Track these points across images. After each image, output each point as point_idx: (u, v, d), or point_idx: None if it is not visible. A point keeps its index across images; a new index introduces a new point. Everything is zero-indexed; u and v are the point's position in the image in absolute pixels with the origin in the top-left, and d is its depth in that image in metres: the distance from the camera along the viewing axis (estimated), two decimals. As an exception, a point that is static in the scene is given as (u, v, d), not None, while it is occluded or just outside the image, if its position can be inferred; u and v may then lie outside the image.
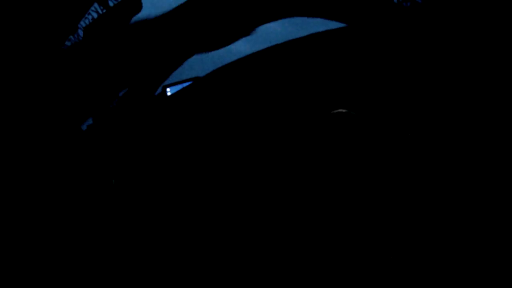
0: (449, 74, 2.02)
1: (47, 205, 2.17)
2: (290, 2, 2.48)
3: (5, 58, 2.33)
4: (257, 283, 1.89)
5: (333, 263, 1.81)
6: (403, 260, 1.77)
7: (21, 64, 2.39)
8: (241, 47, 2.78)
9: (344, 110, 1.85)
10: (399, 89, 2.07)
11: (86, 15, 2.31)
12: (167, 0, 2.74)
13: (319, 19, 2.28)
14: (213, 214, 2.01)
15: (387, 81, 2.08)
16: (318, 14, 2.39)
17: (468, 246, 1.79)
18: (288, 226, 1.98)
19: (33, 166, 2.27)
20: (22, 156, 2.31)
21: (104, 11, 2.29)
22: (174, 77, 2.38)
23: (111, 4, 2.26)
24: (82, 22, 2.33)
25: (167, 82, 2.31)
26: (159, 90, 2.31)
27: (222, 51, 2.72)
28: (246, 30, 2.63)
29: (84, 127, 2.33)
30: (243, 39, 2.67)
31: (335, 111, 1.84)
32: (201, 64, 2.81)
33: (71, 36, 2.38)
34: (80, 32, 2.36)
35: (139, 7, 2.27)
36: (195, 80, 2.15)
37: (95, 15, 2.31)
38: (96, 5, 2.29)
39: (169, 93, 2.14)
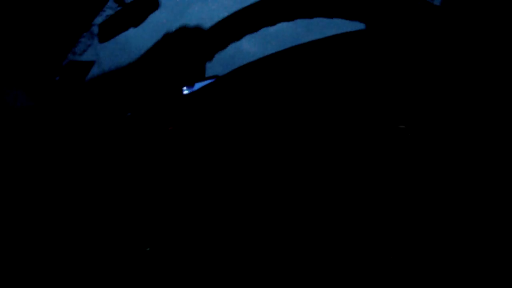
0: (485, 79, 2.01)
1: (47, 203, 2.15)
2: (303, 2, 2.47)
3: (17, 54, 2.31)
4: (257, 283, 1.87)
5: (333, 263, 1.80)
6: (403, 260, 1.75)
7: (31, 63, 2.37)
8: (252, 48, 2.75)
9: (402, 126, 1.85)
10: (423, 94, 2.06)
11: (101, 12, 2.29)
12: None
13: (337, 19, 2.26)
14: (228, 213, 2.00)
15: (411, 87, 2.07)
16: (335, 14, 2.38)
17: (468, 246, 1.78)
18: (289, 226, 1.96)
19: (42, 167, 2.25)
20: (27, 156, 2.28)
21: (120, 8, 2.27)
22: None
23: (127, 1, 2.24)
24: (97, 19, 2.30)
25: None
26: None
27: (232, 52, 2.70)
28: (255, 30, 2.61)
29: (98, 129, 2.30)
30: (253, 40, 2.65)
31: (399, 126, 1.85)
32: (210, 64, 2.77)
33: (85, 34, 2.36)
34: (95, 29, 2.33)
35: (156, 5, 2.25)
36: (215, 78, 2.13)
37: (110, 12, 2.29)
38: (111, 2, 2.27)
39: (185, 92, 2.11)
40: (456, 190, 1.89)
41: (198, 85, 2.19)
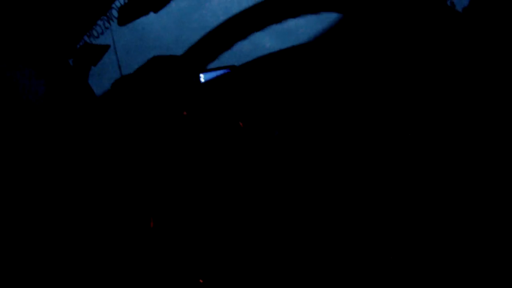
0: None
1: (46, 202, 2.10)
2: None
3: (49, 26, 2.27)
4: (257, 283, 1.87)
5: (333, 263, 1.80)
6: (403, 260, 1.76)
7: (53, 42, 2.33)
8: (268, 43, 2.75)
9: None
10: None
11: (121, -4, 2.28)
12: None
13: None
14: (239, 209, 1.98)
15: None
16: (351, 11, 2.38)
17: (468, 246, 1.78)
18: (290, 225, 1.96)
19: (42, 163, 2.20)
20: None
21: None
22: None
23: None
24: (116, 2, 2.29)
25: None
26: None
27: (248, 46, 2.69)
28: (274, 25, 2.61)
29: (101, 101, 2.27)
30: (270, 34, 2.65)
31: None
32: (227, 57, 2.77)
33: (104, 16, 2.34)
34: (114, 12, 2.32)
35: (177, -8, 2.24)
36: (231, 68, 2.12)
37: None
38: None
39: (202, 80, 2.10)
40: (456, 190, 1.90)
41: (213, 74, 2.18)
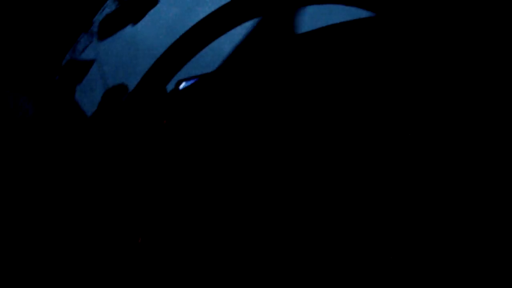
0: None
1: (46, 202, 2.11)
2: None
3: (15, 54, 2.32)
4: (257, 283, 1.84)
5: (333, 263, 1.80)
6: (403, 260, 1.74)
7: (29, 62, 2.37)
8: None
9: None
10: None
11: (102, 9, 2.28)
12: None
13: (342, 5, 2.16)
14: (223, 213, 1.91)
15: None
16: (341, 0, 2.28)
17: (468, 246, 1.75)
18: (290, 225, 1.91)
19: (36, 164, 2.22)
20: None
21: (119, 5, 2.25)
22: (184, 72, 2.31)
23: (126, -3, 2.22)
24: (97, 16, 2.29)
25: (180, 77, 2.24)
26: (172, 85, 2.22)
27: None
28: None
29: (89, 118, 2.26)
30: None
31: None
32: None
33: (84, 32, 2.34)
34: (94, 28, 2.31)
35: (155, 1, 2.22)
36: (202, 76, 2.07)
37: (109, 10, 2.27)
38: (111, -1, 2.25)
39: (182, 86, 2.05)
40: (456, 190, 1.81)
41: (190, 81, 2.12)
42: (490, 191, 1.77)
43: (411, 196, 1.82)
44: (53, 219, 2.16)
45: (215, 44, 2.27)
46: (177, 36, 2.31)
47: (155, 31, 2.43)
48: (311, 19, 2.18)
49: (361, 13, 2.14)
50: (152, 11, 2.30)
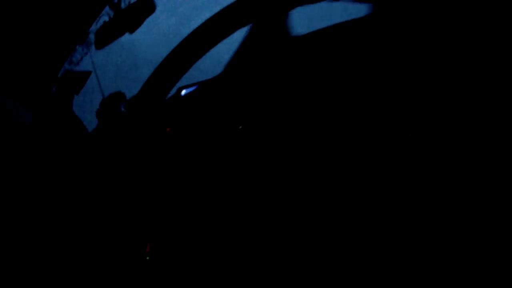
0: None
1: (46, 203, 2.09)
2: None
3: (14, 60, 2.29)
4: (257, 283, 1.84)
5: (333, 263, 1.78)
6: (403, 260, 1.74)
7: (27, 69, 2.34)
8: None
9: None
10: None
11: (97, 19, 2.25)
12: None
13: (340, 3, 2.17)
14: (224, 214, 1.90)
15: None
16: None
17: (468, 246, 1.75)
18: (290, 225, 1.91)
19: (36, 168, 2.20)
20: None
21: (115, 14, 2.23)
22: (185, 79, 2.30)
23: (123, 6, 2.20)
24: (93, 27, 2.26)
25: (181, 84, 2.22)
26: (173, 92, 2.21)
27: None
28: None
29: (89, 129, 2.23)
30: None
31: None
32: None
33: (80, 43, 2.32)
34: (91, 37, 2.29)
35: (152, 9, 2.20)
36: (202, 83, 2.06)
37: (106, 18, 2.25)
38: (107, 8, 2.23)
39: (183, 93, 2.03)
40: (456, 190, 1.81)
41: (191, 88, 2.11)
42: (490, 191, 1.78)
43: (411, 196, 1.83)
44: (52, 225, 2.14)
45: (213, 50, 2.26)
46: (176, 44, 2.29)
47: (153, 39, 2.41)
48: (305, 20, 2.19)
49: (355, 13, 2.16)
50: (149, 18, 2.29)
